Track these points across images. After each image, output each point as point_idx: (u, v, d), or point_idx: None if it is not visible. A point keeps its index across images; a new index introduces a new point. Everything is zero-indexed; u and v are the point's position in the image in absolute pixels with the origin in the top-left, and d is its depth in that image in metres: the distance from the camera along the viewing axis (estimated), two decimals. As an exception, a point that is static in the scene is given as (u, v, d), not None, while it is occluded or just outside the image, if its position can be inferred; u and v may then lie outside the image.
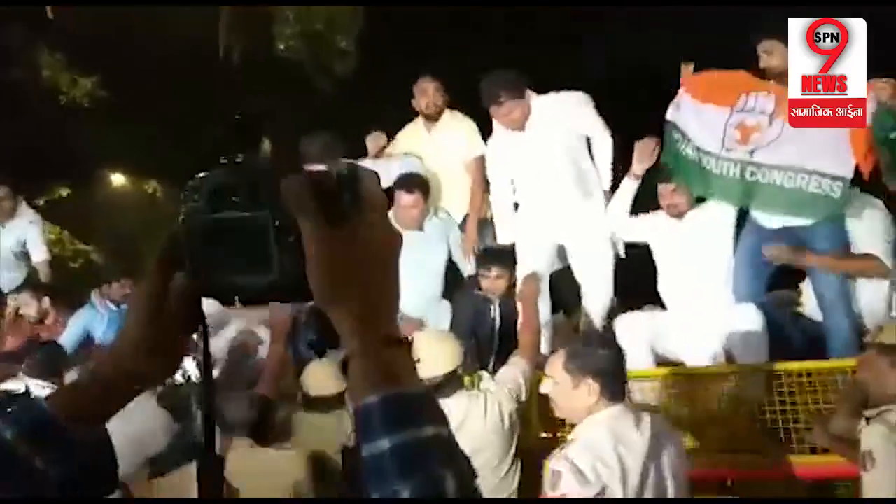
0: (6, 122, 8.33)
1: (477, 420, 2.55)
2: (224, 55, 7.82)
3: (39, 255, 5.15)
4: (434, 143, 4.12)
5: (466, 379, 2.72)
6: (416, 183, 3.75)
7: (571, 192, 3.56)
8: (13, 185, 5.11)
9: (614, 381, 2.07)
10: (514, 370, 2.79)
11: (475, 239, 3.95)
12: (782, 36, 2.91)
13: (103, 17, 7.75)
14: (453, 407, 2.53)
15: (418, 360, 2.06)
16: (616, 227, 3.59)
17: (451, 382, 2.59)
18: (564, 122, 3.54)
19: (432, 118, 4.11)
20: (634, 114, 3.76)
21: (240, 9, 7.54)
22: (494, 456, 2.57)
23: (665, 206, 3.47)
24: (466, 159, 4.09)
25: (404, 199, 3.72)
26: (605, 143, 3.59)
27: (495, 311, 3.70)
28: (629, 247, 3.65)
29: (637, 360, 3.32)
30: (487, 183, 3.96)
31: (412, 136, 4.23)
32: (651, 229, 3.55)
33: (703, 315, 3.34)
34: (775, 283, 3.46)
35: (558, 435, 2.98)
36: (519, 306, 3.33)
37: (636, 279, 3.76)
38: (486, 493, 2.47)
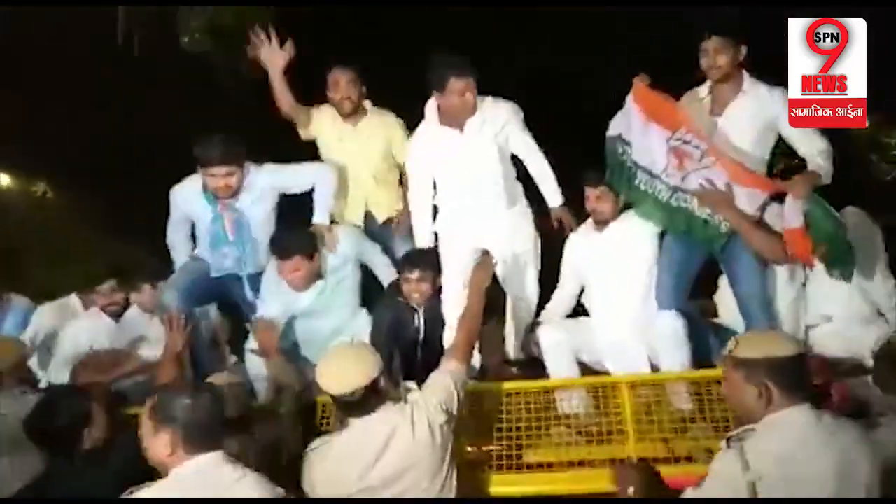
0: None
1: (405, 434, 2.39)
2: (123, 42, 7.31)
3: None
4: (358, 138, 3.82)
5: (391, 392, 2.53)
6: (295, 247, 3.40)
7: (499, 197, 3.45)
8: None
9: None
10: (445, 377, 2.60)
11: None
12: (735, 36, 2.98)
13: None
14: (378, 423, 2.41)
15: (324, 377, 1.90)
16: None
17: (371, 397, 2.40)
18: (499, 127, 3.42)
19: (346, 114, 3.79)
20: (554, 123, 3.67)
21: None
22: (426, 472, 2.40)
23: (590, 209, 3.44)
24: (399, 159, 3.86)
25: (284, 265, 3.39)
26: (538, 158, 3.53)
27: (419, 320, 3.54)
28: None
29: (563, 368, 3.29)
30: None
31: (328, 126, 3.86)
32: (570, 249, 3.56)
33: (627, 323, 3.32)
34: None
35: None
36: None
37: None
38: None
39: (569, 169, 3.60)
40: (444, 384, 2.57)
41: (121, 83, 8.46)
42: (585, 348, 3.37)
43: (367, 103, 3.87)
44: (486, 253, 3.31)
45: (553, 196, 3.58)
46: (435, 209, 3.62)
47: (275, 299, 3.48)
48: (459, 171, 3.47)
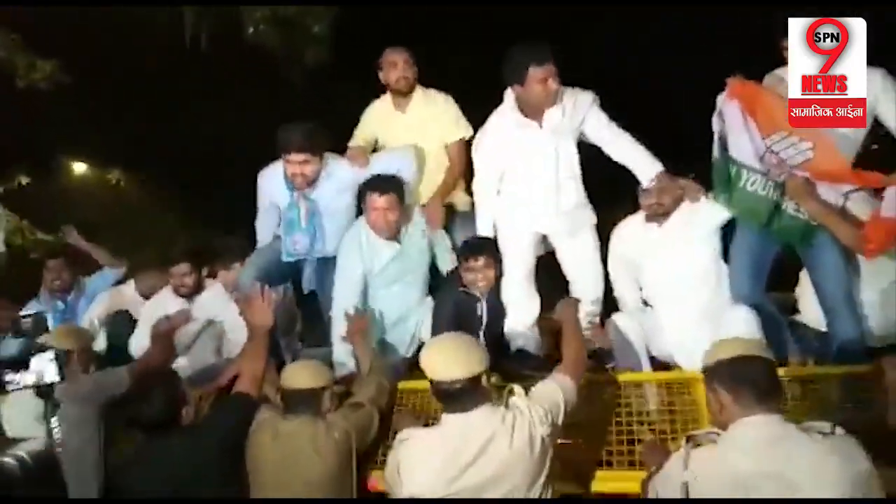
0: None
1: (503, 442, 2.25)
2: (191, 41, 7.49)
3: None
4: (406, 124, 3.86)
5: (494, 393, 2.42)
6: (390, 185, 3.49)
7: (571, 192, 3.41)
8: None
9: None
10: (556, 389, 2.44)
11: (440, 220, 3.72)
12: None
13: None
14: (477, 424, 2.28)
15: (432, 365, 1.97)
16: None
17: (471, 392, 2.28)
18: (578, 120, 3.35)
19: (403, 93, 3.83)
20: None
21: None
22: (520, 483, 2.25)
23: (648, 204, 3.33)
24: (448, 141, 3.85)
25: (376, 200, 3.46)
26: (626, 138, 3.37)
27: (482, 309, 3.49)
28: None
29: (633, 361, 3.22)
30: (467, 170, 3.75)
31: (380, 116, 3.94)
32: (628, 239, 3.45)
33: (695, 317, 3.22)
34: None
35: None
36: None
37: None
38: None
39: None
40: (553, 395, 2.41)
41: (190, 78, 8.68)
42: (654, 341, 3.29)
43: (417, 87, 3.87)
44: (570, 298, 3.22)
45: (652, 167, 3.32)
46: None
47: (356, 254, 3.51)
48: (533, 164, 3.40)
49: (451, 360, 2.31)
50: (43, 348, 2.43)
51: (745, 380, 1.98)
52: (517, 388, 2.41)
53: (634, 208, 3.46)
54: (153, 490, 2.46)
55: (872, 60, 2.73)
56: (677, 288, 3.28)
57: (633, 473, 2.61)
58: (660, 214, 3.33)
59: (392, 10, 8.67)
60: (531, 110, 3.31)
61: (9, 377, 2.34)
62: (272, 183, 3.67)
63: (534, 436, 2.28)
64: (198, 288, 4.04)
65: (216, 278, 4.08)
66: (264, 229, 3.85)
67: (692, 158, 3.50)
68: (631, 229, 3.45)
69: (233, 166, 3.87)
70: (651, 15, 8.58)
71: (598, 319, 3.47)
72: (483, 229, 3.58)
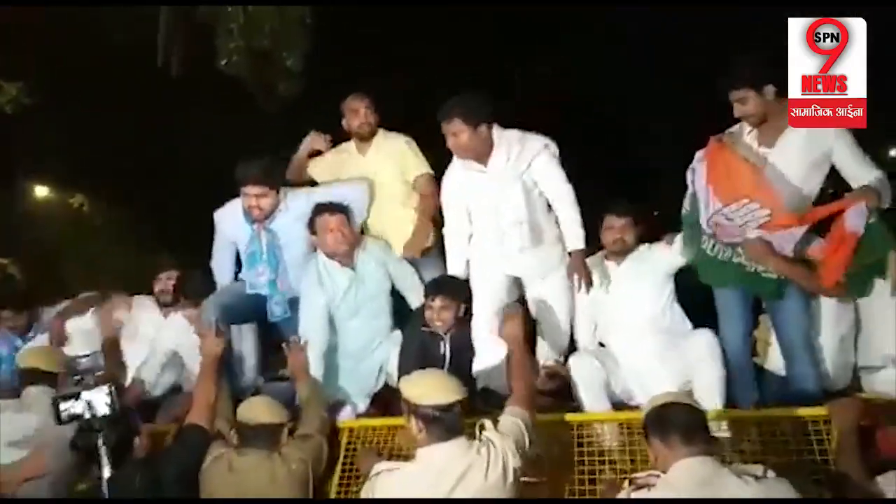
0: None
1: (478, 474, 2.32)
2: (163, 64, 7.46)
3: None
4: (368, 165, 3.91)
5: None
6: (338, 206, 3.56)
7: (523, 236, 3.42)
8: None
9: None
10: (516, 420, 2.53)
11: (422, 245, 3.71)
12: (754, 83, 2.93)
13: (32, 18, 7.33)
14: (453, 455, 2.35)
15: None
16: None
17: (450, 421, 2.38)
18: (524, 164, 3.38)
19: (365, 138, 3.91)
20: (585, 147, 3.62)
21: (181, 15, 7.22)
22: None
23: (610, 241, 3.38)
24: (414, 176, 3.88)
25: (328, 221, 3.50)
26: (564, 199, 3.39)
27: (445, 348, 3.49)
28: None
29: (594, 401, 3.23)
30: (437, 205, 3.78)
31: (338, 160, 3.99)
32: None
33: (649, 356, 3.25)
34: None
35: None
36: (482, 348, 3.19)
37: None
38: None
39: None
40: (517, 428, 2.49)
41: (159, 103, 8.63)
42: (614, 380, 3.30)
43: (381, 130, 3.94)
44: (512, 304, 3.29)
45: (573, 240, 3.37)
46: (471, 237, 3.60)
47: (316, 286, 3.53)
48: (485, 207, 3.47)
49: (444, 385, 2.45)
50: (97, 384, 2.56)
51: (671, 424, 2.11)
52: (487, 423, 2.47)
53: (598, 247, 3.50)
54: None
55: (872, 60, 2.75)
56: (631, 327, 3.31)
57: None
58: (620, 252, 3.37)
59: (365, 45, 8.77)
60: (468, 156, 3.40)
61: (63, 406, 2.45)
62: (232, 220, 3.70)
63: (507, 468, 2.35)
64: (177, 300, 4.00)
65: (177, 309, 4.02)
66: (222, 270, 3.86)
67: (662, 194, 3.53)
68: (592, 268, 3.46)
69: (201, 192, 3.84)
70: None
71: (562, 359, 3.48)
72: (452, 269, 3.60)
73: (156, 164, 9.72)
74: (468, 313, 3.50)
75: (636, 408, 3.22)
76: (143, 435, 2.65)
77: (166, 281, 4.05)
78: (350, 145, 4.01)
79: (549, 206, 3.48)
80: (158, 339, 3.95)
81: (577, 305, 3.53)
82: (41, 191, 11.42)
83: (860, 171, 2.94)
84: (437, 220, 3.81)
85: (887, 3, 2.99)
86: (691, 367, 3.15)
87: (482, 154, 3.39)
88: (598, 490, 2.73)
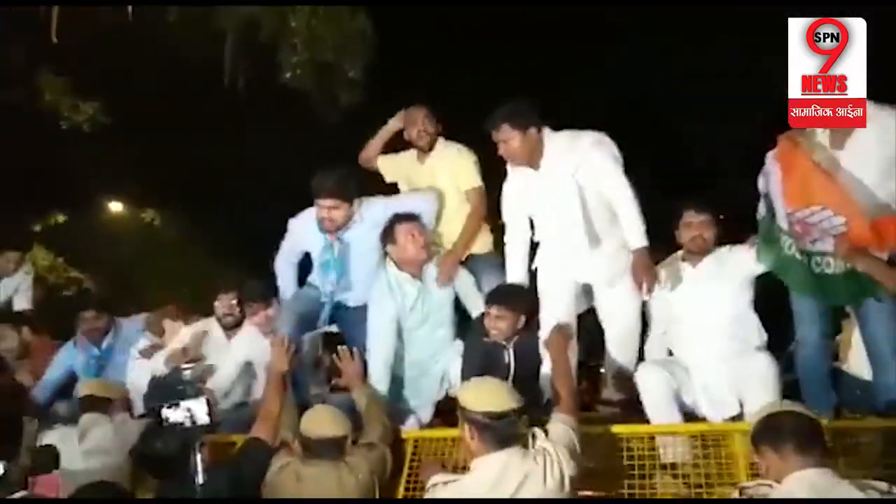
0: (5, 145, 8.18)
1: (536, 483, 2.32)
2: (229, 83, 7.70)
3: (23, 304, 5.07)
4: (427, 174, 3.94)
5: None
6: (414, 216, 3.58)
7: (582, 237, 3.31)
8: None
9: None
10: (566, 428, 2.54)
11: (452, 269, 3.68)
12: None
13: (108, 41, 7.65)
14: (512, 463, 2.34)
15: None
16: None
17: (504, 429, 2.36)
18: (575, 164, 3.29)
19: (424, 148, 3.95)
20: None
21: (246, 35, 7.45)
22: None
23: (688, 238, 3.25)
24: (465, 189, 3.88)
25: (406, 227, 3.52)
26: (620, 195, 3.25)
27: (509, 356, 3.44)
28: None
29: (664, 413, 3.13)
30: (487, 216, 3.81)
31: (402, 164, 4.05)
32: (664, 280, 3.30)
33: (717, 363, 3.14)
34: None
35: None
36: (546, 357, 3.14)
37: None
38: None
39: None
40: (567, 435, 2.50)
41: (226, 119, 8.88)
42: (683, 390, 3.19)
43: (441, 139, 3.95)
44: (562, 324, 3.23)
45: (634, 238, 3.21)
46: (536, 245, 3.55)
47: (387, 296, 3.53)
48: (542, 211, 3.42)
49: (499, 392, 2.43)
50: (198, 394, 2.60)
51: (785, 433, 2.00)
52: (539, 432, 2.47)
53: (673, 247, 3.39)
54: None
55: (872, 60, 2.70)
56: (703, 333, 3.20)
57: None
58: (698, 252, 3.25)
59: (422, 54, 8.84)
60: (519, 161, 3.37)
61: (164, 412, 2.52)
62: (305, 228, 3.74)
63: (564, 475, 2.36)
64: (240, 322, 4.03)
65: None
66: (285, 276, 3.91)
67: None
68: (665, 269, 3.36)
69: (267, 205, 3.91)
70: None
71: (631, 369, 3.39)
72: (512, 278, 3.56)
73: (223, 179, 9.99)
74: (530, 323, 3.44)
75: (705, 419, 3.13)
76: (205, 447, 2.61)
77: (229, 302, 4.04)
78: (412, 153, 4.05)
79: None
80: (228, 356, 3.95)
81: (650, 310, 3.43)
82: (115, 207, 11.84)
83: None
84: (496, 226, 3.80)
85: (887, 3, 2.87)
86: (745, 386, 3.05)
87: (534, 158, 3.34)
88: None
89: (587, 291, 3.52)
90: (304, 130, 8.47)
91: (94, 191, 10.97)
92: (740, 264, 3.21)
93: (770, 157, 3.08)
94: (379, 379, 3.41)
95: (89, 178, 10.06)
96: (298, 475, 2.70)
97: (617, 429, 3.03)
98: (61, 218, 10.76)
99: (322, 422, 2.82)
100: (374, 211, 3.65)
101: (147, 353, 4.06)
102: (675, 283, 3.29)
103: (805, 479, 1.92)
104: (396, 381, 3.56)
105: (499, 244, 3.85)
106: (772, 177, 3.05)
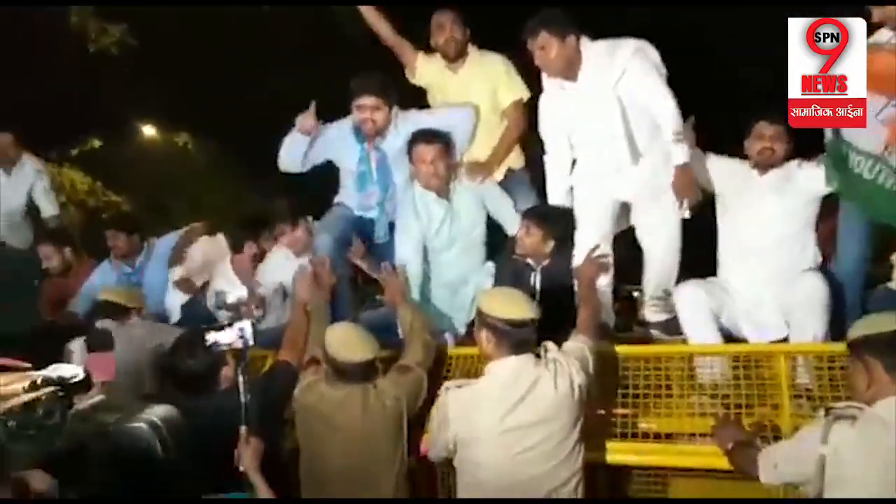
0: (35, 70, 8.16)
1: (547, 387, 2.36)
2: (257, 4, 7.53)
3: (49, 209, 5.06)
4: (459, 86, 3.73)
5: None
6: (436, 135, 3.43)
7: (622, 151, 3.18)
8: (39, 137, 5.06)
9: None
10: (579, 345, 2.56)
11: (482, 173, 3.57)
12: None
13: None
14: (524, 367, 2.38)
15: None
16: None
17: (520, 336, 2.39)
18: (615, 74, 3.11)
19: (453, 58, 3.72)
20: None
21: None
22: (563, 426, 2.36)
23: (757, 149, 3.12)
24: (503, 104, 3.71)
25: (423, 151, 3.39)
26: (659, 105, 3.07)
27: (535, 278, 3.36)
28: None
29: (702, 334, 3.07)
30: (528, 132, 3.64)
31: (431, 74, 3.81)
32: (727, 174, 3.22)
33: (765, 284, 3.05)
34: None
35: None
36: (576, 284, 3.08)
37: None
38: (549, 471, 2.26)
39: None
40: (580, 351, 2.53)
41: (256, 43, 8.72)
42: (723, 310, 3.12)
43: (472, 48, 3.75)
44: (598, 254, 3.16)
45: (675, 154, 3.04)
46: (574, 163, 3.42)
47: (411, 214, 3.48)
48: (581, 125, 3.27)
49: (520, 302, 2.45)
50: (240, 318, 2.60)
51: None
52: (551, 344, 2.50)
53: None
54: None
55: None
56: (762, 242, 3.10)
57: (705, 448, 2.56)
58: (766, 165, 3.12)
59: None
60: (558, 71, 3.20)
61: (210, 336, 2.52)
62: (338, 136, 3.61)
63: (573, 382, 2.39)
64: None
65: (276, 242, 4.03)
66: (294, 155, 3.65)
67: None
68: (731, 167, 3.23)
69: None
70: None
71: (671, 288, 3.30)
72: (552, 198, 3.45)
73: (254, 104, 9.89)
74: (562, 249, 3.34)
75: (745, 341, 3.07)
76: (228, 366, 2.59)
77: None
78: (438, 60, 3.80)
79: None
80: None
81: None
82: (148, 130, 11.86)
83: None
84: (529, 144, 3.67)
85: (887, 3, 2.70)
86: (792, 310, 2.97)
87: (572, 68, 3.17)
88: (707, 425, 2.59)
89: (626, 211, 3.40)
90: (336, 54, 8.29)
91: (129, 115, 10.97)
92: (808, 181, 3.08)
93: None
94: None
95: (123, 103, 10.05)
96: (321, 396, 2.67)
97: (653, 349, 3.01)
98: (97, 143, 10.82)
99: (350, 345, 2.70)
100: (408, 125, 3.54)
101: (182, 286, 4.10)
102: (740, 187, 3.18)
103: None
104: (427, 302, 3.52)
105: (532, 161, 3.74)
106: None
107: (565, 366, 2.41)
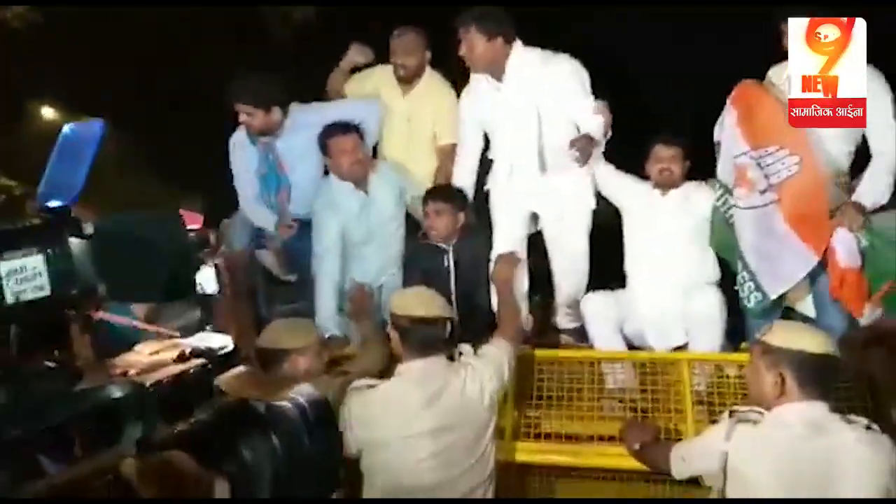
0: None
1: (455, 390, 2.33)
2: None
3: None
4: (403, 111, 3.70)
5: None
6: (351, 127, 3.41)
7: (536, 159, 3.26)
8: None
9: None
10: (498, 351, 2.53)
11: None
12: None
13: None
14: (432, 371, 2.34)
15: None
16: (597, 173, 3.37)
17: (428, 336, 2.35)
18: (544, 84, 3.19)
19: (404, 80, 3.68)
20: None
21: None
22: (471, 432, 2.33)
23: (656, 171, 3.26)
24: (439, 141, 3.70)
25: (342, 141, 3.37)
26: (593, 123, 3.15)
27: (448, 261, 3.40)
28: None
29: (606, 341, 3.22)
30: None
31: (381, 89, 3.75)
32: (631, 193, 3.37)
33: (669, 296, 3.20)
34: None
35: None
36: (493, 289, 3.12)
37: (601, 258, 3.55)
38: (456, 477, 2.22)
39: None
40: (497, 356, 2.50)
41: (174, 30, 8.43)
42: (628, 320, 3.27)
43: (428, 71, 3.69)
44: (508, 253, 3.15)
45: (591, 125, 3.13)
46: (490, 163, 3.48)
47: (328, 209, 3.44)
48: (498, 127, 3.33)
49: (429, 300, 2.41)
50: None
51: (820, 376, 1.98)
52: (466, 347, 2.49)
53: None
54: None
55: (872, 60, 2.71)
56: (664, 258, 3.24)
57: (611, 448, 2.64)
58: (666, 185, 3.26)
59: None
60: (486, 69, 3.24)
61: None
62: (241, 143, 3.61)
63: (484, 388, 2.36)
64: None
65: None
66: (247, 190, 3.68)
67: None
68: (636, 187, 3.36)
69: (214, 121, 3.73)
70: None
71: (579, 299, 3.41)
72: (458, 181, 3.51)
73: (170, 93, 9.56)
74: (468, 224, 3.42)
75: (646, 349, 3.23)
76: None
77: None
78: (390, 76, 3.72)
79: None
80: None
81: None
82: (48, 113, 11.26)
83: (883, 144, 2.83)
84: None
85: (887, 2, 2.88)
86: (690, 322, 3.13)
87: (496, 69, 3.22)
88: (615, 427, 2.69)
89: (535, 219, 3.50)
90: (258, 46, 8.12)
91: (27, 96, 10.39)
92: (706, 202, 3.23)
93: (728, 102, 3.06)
94: (326, 295, 3.35)
95: (21, 83, 9.51)
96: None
97: (564, 353, 3.11)
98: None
99: (278, 334, 2.58)
100: (309, 117, 3.50)
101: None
102: (644, 206, 3.31)
103: (803, 409, 1.96)
104: (344, 297, 3.44)
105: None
106: (726, 121, 3.04)
107: (478, 371, 2.38)
